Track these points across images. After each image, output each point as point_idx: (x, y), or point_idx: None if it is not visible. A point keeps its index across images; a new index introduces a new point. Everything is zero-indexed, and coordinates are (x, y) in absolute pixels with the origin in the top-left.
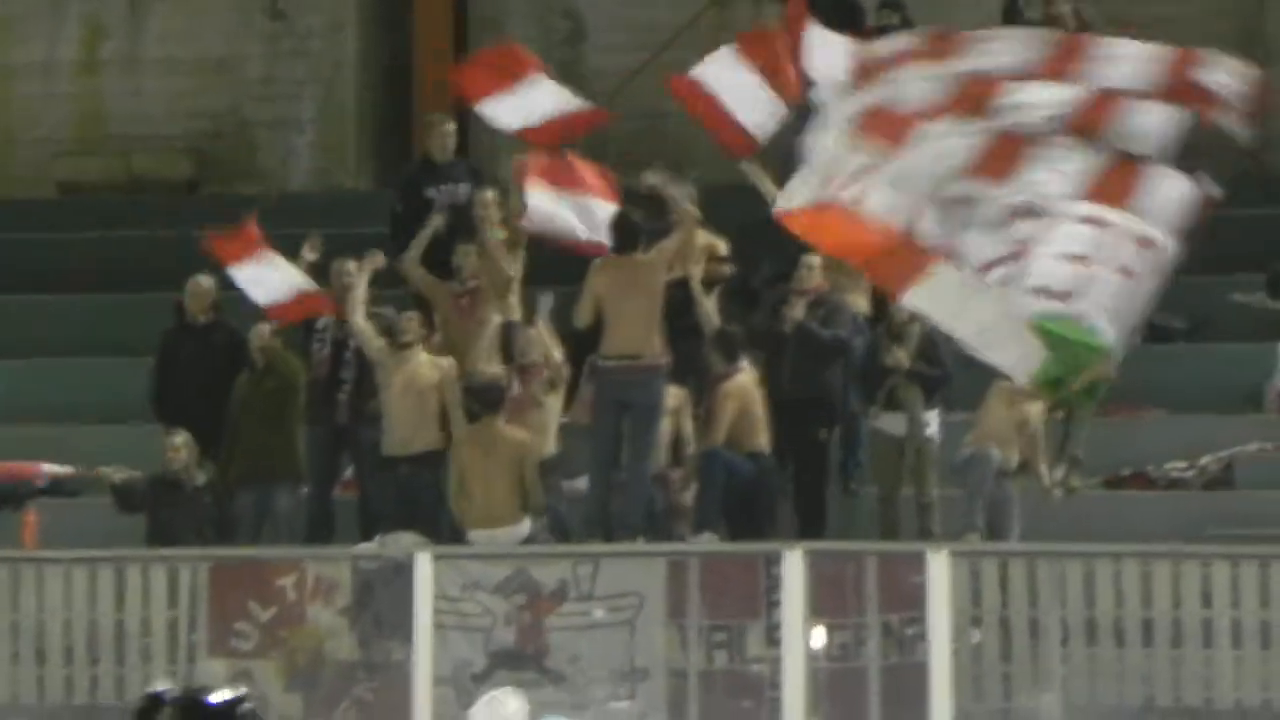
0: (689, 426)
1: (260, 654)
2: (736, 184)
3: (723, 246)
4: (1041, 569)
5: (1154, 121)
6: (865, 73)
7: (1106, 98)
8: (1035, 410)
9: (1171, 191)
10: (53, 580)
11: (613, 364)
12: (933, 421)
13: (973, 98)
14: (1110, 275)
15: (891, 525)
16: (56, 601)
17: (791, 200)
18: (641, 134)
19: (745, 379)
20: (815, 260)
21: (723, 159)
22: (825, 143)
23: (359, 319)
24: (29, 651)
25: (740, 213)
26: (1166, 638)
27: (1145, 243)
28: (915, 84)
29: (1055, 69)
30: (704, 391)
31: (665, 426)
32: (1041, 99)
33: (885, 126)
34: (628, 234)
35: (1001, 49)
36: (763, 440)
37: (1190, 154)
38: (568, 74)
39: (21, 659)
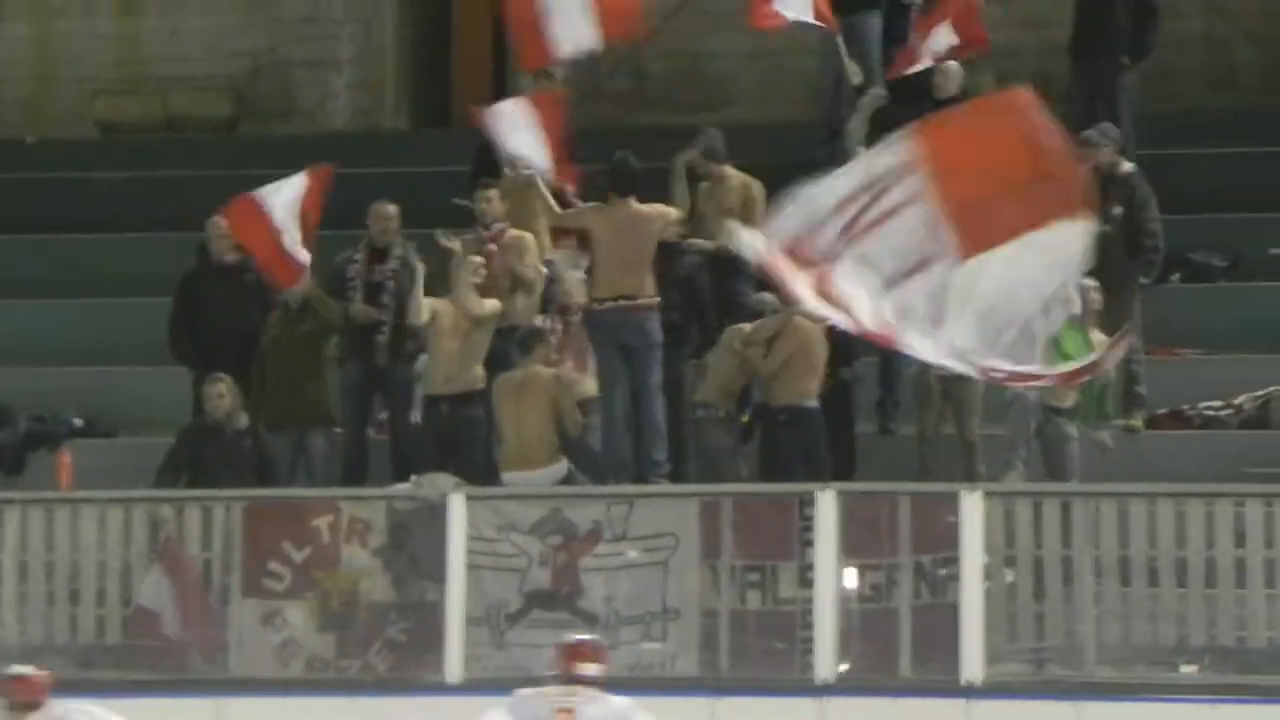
0: None
1: (294, 595)
2: (772, 124)
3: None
4: (1076, 509)
5: None
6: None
7: None
8: None
9: None
10: (87, 521)
11: (608, 305)
12: None
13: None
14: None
15: (929, 465)
16: (90, 542)
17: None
18: (680, 74)
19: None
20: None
21: (760, 99)
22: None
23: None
24: (63, 592)
25: (776, 153)
26: (1200, 577)
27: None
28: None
29: None
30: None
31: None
32: None
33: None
34: (626, 179)
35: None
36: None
37: None
38: None
39: (56, 599)
